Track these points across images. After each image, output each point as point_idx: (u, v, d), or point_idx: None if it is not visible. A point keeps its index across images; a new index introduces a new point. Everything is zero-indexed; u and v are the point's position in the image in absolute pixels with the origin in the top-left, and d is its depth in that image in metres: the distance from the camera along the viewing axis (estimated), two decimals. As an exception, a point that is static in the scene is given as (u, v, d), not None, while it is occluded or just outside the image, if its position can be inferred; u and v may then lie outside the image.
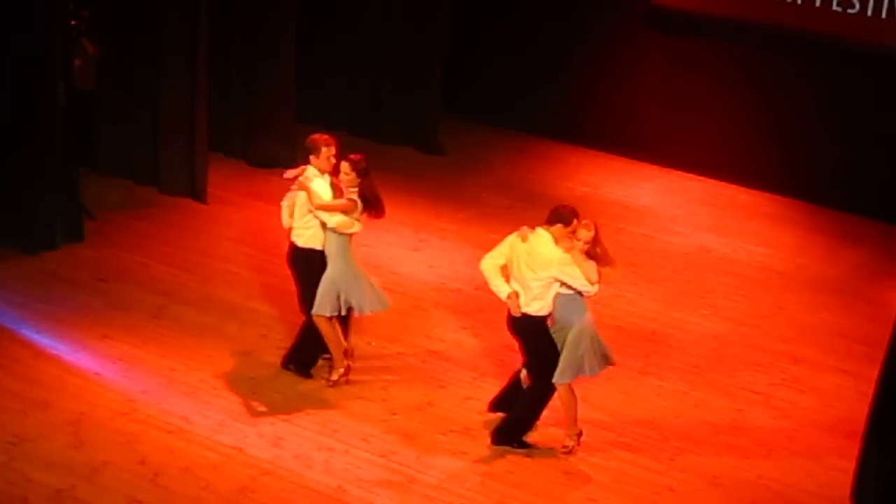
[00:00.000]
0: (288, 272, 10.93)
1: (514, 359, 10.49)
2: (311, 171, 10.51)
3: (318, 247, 10.55)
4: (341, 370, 10.77)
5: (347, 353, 10.83)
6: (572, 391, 10.09)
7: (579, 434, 10.25)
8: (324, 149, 10.49)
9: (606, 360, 10.16)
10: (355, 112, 16.78)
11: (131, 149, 14.59)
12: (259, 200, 14.37)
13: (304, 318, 10.81)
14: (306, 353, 10.94)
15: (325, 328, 10.60)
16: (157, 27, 14.09)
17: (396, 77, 16.79)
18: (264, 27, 15.29)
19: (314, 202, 10.36)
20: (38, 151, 12.55)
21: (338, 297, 10.51)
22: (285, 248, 10.83)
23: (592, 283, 9.81)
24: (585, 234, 9.85)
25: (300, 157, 10.63)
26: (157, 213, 13.99)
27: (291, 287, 10.94)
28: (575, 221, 9.87)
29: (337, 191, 10.50)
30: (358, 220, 10.48)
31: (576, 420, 10.18)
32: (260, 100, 15.50)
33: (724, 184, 16.57)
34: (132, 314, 11.72)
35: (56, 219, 12.80)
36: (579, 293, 9.88)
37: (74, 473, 9.31)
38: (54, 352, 10.95)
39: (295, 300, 10.94)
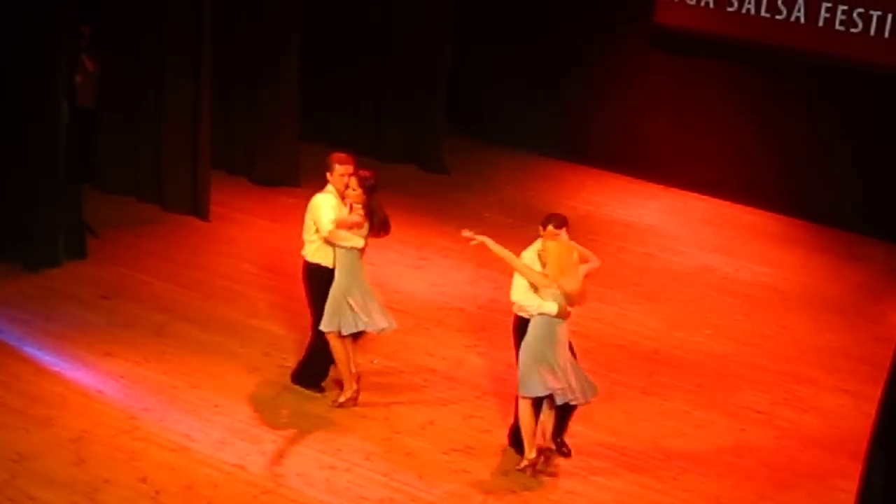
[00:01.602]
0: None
1: (515, 378, 10.40)
2: (328, 191, 10.51)
3: (326, 263, 10.51)
4: (349, 393, 10.69)
5: (356, 378, 10.74)
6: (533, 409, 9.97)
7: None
8: (337, 166, 10.51)
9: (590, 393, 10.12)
10: (358, 130, 16.77)
11: (134, 166, 14.60)
12: (262, 218, 14.41)
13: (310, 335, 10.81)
14: (315, 367, 10.90)
15: (336, 347, 10.55)
16: (160, 44, 14.10)
17: (399, 95, 16.80)
18: (267, 45, 15.30)
19: (334, 236, 10.39)
20: (41, 168, 12.54)
21: (349, 312, 10.41)
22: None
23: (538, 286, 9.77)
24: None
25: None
26: (160, 230, 13.99)
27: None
28: (549, 227, 9.91)
29: (349, 208, 10.50)
30: (365, 237, 10.46)
31: (531, 441, 10.01)
32: (263, 117, 15.51)
33: (727, 203, 16.58)
34: (134, 331, 11.71)
35: (58, 236, 12.79)
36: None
37: (76, 491, 9.28)
38: (56, 369, 10.93)
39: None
